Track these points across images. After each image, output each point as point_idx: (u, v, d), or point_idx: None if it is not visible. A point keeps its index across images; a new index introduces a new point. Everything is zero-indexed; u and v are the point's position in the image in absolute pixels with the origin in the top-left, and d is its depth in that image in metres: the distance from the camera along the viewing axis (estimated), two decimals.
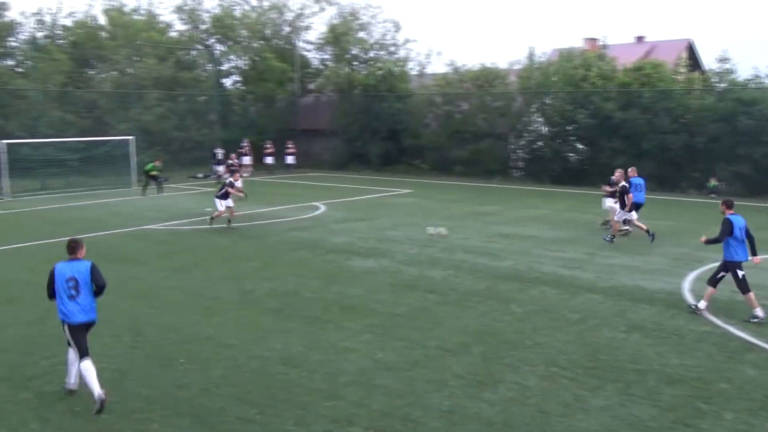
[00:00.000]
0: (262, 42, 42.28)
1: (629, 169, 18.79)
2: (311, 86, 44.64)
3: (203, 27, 42.75)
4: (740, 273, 10.83)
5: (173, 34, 42.29)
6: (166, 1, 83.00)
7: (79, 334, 7.89)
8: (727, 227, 10.86)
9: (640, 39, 45.93)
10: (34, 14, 37.03)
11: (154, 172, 28.05)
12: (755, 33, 71.41)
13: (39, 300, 10.09)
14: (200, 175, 34.31)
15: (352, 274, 14.01)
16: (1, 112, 31.07)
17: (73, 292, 7.83)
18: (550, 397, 7.91)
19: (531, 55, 34.76)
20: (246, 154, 36.03)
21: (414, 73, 41.36)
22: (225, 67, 42.59)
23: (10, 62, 36.34)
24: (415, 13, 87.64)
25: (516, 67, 35.42)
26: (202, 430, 7.19)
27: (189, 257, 15.71)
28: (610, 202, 18.57)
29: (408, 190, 29.07)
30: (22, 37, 36.52)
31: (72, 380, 8.02)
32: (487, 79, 35.58)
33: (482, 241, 17.38)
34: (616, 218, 17.58)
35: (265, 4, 43.08)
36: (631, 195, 17.30)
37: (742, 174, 27.38)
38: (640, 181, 18.56)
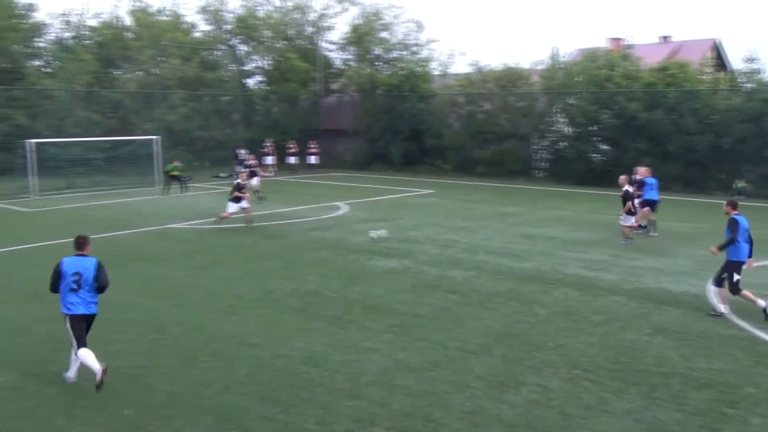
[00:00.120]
0: (285, 42, 42.46)
1: (643, 169, 18.70)
2: (334, 86, 44.73)
3: (227, 27, 43.05)
4: (736, 277, 10.91)
5: (197, 34, 42.64)
6: (190, 1, 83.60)
7: (79, 326, 8.17)
8: (736, 227, 10.93)
9: (665, 39, 45.42)
10: (61, 15, 37.66)
11: (175, 173, 28.31)
12: None
13: None
14: (223, 175, 34.55)
15: (373, 274, 14.03)
16: (29, 111, 31.53)
17: (74, 286, 8.05)
18: (572, 400, 7.86)
19: (554, 55, 34.57)
20: (269, 154, 36.25)
21: (436, 73, 41.28)
22: (248, 67, 42.87)
23: (38, 62, 36.91)
24: (438, 13, 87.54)
25: (539, 67, 35.23)
26: (225, 427, 7.24)
27: (211, 256, 15.83)
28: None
29: (430, 191, 29.03)
30: (50, 38, 37.11)
31: (71, 374, 8.31)
32: (510, 79, 35.40)
33: (504, 242, 17.31)
34: (626, 224, 17.29)
35: (289, 4, 43.29)
36: (629, 203, 17.20)
37: None
38: (653, 180, 18.49)
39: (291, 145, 37.56)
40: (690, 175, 28.72)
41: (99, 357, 8.04)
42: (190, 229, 19.58)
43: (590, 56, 33.16)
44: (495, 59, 68.35)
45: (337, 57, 44.57)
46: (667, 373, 8.62)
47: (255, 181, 25.93)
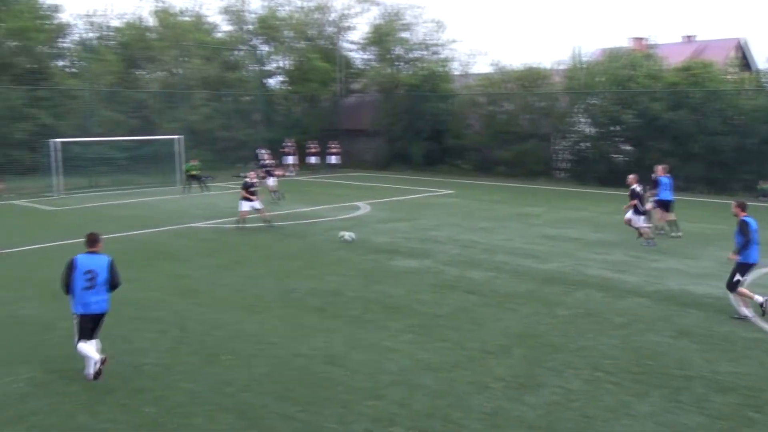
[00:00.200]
0: (306, 42, 42.60)
1: (659, 168, 18.53)
2: (354, 86, 44.81)
3: (248, 28, 43.29)
4: (742, 278, 11.00)
5: (219, 34, 42.98)
6: (212, 2, 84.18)
7: (88, 324, 8.33)
8: (747, 228, 11.13)
9: (689, 38, 44.95)
10: (85, 16, 38.18)
11: (194, 172, 28.51)
12: None
13: None
14: (243, 174, 34.71)
15: (394, 273, 14.02)
16: (54, 111, 31.94)
17: (88, 284, 8.15)
18: (594, 402, 7.79)
19: (576, 55, 34.31)
20: (290, 154, 36.38)
21: (457, 73, 41.18)
22: (269, 67, 43.08)
23: (63, 63, 37.38)
24: (459, 13, 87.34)
25: (561, 67, 35.00)
26: (245, 425, 7.28)
27: (232, 255, 15.91)
28: (649, 206, 18.26)
29: (450, 191, 28.96)
30: (74, 39, 37.55)
31: (91, 370, 8.35)
32: (531, 79, 35.22)
33: (525, 243, 17.21)
34: (641, 225, 17.13)
35: (310, 4, 43.43)
36: (634, 201, 17.07)
37: None
38: (667, 180, 18.32)
39: (312, 145, 37.69)
40: (713, 176, 28.37)
41: (121, 354, 8.13)
42: (210, 228, 19.70)
43: (613, 56, 32.88)
44: (516, 59, 68.03)
45: (357, 57, 44.70)
46: (690, 376, 8.52)
47: (271, 181, 25.98)
